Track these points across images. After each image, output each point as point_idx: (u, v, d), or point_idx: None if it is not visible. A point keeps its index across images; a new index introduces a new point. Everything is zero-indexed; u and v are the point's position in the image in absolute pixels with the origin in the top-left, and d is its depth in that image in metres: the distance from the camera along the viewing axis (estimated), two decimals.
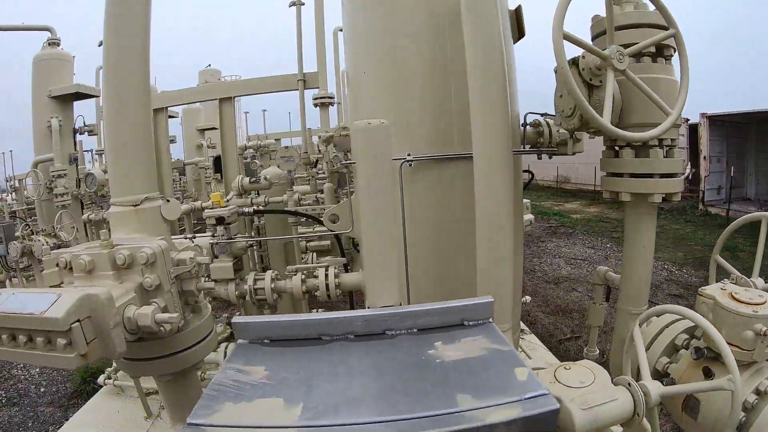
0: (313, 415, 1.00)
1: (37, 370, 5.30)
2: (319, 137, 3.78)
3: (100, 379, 4.04)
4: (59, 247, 7.35)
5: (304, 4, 5.02)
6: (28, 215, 9.20)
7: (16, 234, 7.40)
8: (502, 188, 2.17)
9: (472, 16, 2.12)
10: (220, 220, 3.05)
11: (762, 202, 12.03)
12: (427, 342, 1.30)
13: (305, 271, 2.96)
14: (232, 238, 2.99)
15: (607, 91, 2.23)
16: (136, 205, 2.00)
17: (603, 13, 2.52)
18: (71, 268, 1.66)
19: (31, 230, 7.40)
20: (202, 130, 12.32)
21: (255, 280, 3.00)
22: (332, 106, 6.27)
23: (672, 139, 2.64)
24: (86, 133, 8.00)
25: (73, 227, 7.41)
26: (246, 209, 3.06)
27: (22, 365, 5.48)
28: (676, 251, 10.18)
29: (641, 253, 2.73)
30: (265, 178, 3.61)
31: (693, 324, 1.84)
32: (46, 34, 8.02)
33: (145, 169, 2.05)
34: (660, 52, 2.59)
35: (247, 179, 3.68)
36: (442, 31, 2.46)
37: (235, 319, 1.40)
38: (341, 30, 8.52)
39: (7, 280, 7.78)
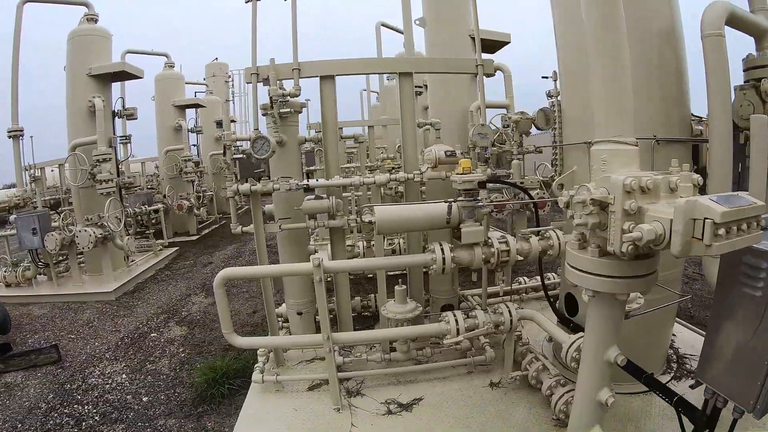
0: None
1: (124, 376, 4.50)
2: (510, 118, 3.64)
3: (257, 377, 3.50)
4: (105, 238, 6.43)
5: None
6: (50, 205, 8.07)
7: (53, 224, 6.44)
8: None
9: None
10: (482, 184, 2.84)
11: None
12: None
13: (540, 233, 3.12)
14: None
15: None
16: (636, 144, 1.97)
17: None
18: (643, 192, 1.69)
19: (66, 221, 6.48)
20: (183, 107, 11.38)
21: (500, 243, 2.96)
22: (419, 95, 6.01)
23: None
24: (125, 117, 7.12)
25: (117, 217, 6.58)
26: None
27: (98, 372, 4.62)
28: None
29: None
30: (462, 153, 3.39)
31: None
32: (79, 11, 7.11)
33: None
34: None
35: (442, 152, 3.42)
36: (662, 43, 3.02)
37: None
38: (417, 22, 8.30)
39: (33, 278, 6.76)
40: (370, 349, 3.94)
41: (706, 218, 1.47)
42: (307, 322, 4.39)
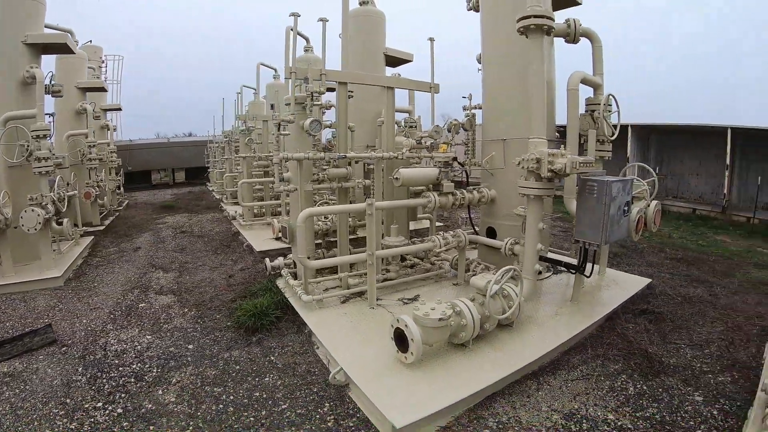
0: None
1: (149, 337, 4.85)
2: (451, 122, 6.28)
3: (307, 298, 5.11)
4: (47, 221, 6.63)
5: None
6: None
7: None
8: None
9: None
10: (455, 159, 5.34)
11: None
12: None
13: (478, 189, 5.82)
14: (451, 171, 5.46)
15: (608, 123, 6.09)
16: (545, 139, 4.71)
17: None
18: None
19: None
20: (84, 90, 10.91)
21: (460, 193, 5.63)
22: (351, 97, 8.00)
23: None
24: (51, 93, 7.28)
25: (53, 200, 6.85)
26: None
27: (114, 341, 4.76)
28: None
29: None
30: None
31: None
32: None
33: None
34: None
35: (414, 141, 5.88)
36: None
37: None
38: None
39: None
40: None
41: (579, 162, 4.31)
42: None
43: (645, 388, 3.98)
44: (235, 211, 11.49)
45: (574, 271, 5.33)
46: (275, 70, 14.28)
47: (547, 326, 4.80)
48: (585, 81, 5.95)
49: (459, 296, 5.53)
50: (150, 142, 24.82)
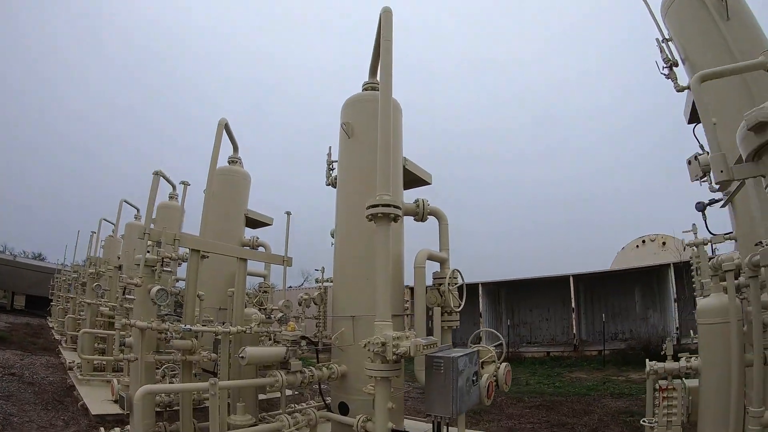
0: None
1: None
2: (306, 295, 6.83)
3: None
4: None
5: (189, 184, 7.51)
6: None
7: None
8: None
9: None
10: (303, 338, 5.92)
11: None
12: None
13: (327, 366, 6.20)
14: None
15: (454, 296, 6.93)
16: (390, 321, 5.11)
17: None
18: None
19: None
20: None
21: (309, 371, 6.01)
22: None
23: None
24: None
25: None
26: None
27: None
28: None
29: None
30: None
31: None
32: None
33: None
34: None
35: (264, 316, 6.27)
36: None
37: None
38: None
39: None
40: None
41: (422, 344, 4.90)
42: None
43: None
44: (73, 360, 10.76)
45: None
46: (137, 210, 14.14)
47: None
48: (431, 257, 6.75)
49: None
50: None
